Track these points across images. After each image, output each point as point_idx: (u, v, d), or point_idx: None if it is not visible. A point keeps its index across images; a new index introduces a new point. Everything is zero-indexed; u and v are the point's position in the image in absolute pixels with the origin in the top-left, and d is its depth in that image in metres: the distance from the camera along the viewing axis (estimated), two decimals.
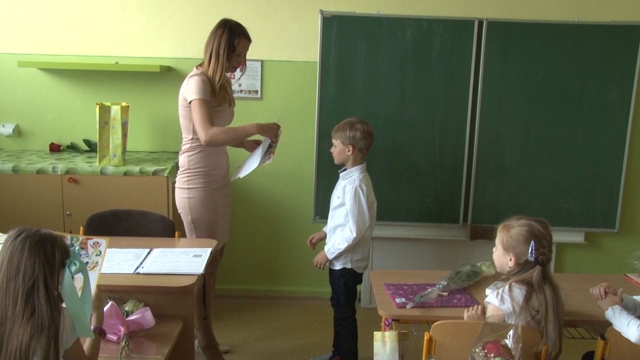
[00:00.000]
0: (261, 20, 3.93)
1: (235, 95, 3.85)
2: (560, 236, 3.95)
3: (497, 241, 2.30)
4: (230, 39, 3.00)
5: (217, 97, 3.01)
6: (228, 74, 3.17)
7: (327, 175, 3.87)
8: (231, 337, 3.66)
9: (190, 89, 2.95)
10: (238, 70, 3.16)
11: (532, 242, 2.17)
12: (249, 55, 3.94)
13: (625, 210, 3.97)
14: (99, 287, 1.93)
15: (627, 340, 2.14)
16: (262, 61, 3.99)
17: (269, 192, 4.13)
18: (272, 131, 3.07)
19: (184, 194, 3.08)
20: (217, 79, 2.98)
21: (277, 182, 4.08)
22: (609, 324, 2.23)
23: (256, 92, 4.02)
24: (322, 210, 3.90)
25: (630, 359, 2.17)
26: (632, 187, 4.03)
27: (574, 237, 4.01)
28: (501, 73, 3.80)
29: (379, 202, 3.86)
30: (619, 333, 2.17)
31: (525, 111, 3.84)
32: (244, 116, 3.96)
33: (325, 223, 3.54)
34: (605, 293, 2.33)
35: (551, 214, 3.86)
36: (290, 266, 4.21)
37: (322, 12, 3.75)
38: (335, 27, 3.77)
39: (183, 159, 3.09)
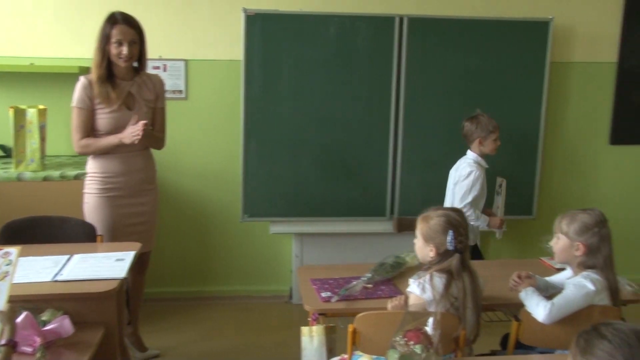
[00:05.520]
0: (182, 19, 3.88)
1: None
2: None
3: (418, 233, 2.37)
4: (105, 29, 2.89)
5: (106, 99, 2.90)
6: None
7: (254, 173, 3.87)
8: (162, 340, 3.58)
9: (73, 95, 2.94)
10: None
11: (450, 231, 2.24)
12: (172, 54, 3.92)
13: (542, 197, 4.16)
14: (10, 298, 1.87)
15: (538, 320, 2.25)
16: (186, 60, 3.94)
17: (196, 193, 4.09)
18: (131, 135, 2.89)
19: (83, 199, 3.05)
20: (95, 76, 2.90)
21: (204, 182, 4.05)
22: (523, 305, 2.33)
23: (180, 91, 3.97)
24: (250, 208, 3.90)
25: (540, 337, 2.28)
26: (547, 175, 4.22)
27: None
28: (423, 68, 3.90)
29: (308, 199, 3.92)
30: (531, 313, 2.29)
31: (447, 105, 3.96)
32: (169, 116, 3.88)
33: (255, 222, 3.58)
34: (520, 277, 2.43)
35: None
36: (221, 266, 4.18)
37: (245, 10, 3.73)
38: (259, 25, 3.76)
39: (87, 164, 3.07)
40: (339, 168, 3.94)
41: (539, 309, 2.23)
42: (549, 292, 2.42)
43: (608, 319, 1.59)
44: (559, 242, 2.39)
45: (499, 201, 3.64)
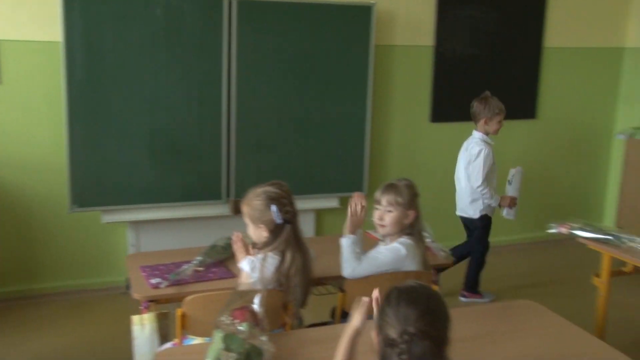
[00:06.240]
0: None
1: None
2: (317, 203, 4.26)
3: (246, 218, 2.39)
4: None
5: None
6: None
7: (81, 161, 3.67)
8: None
9: None
10: None
11: (273, 205, 2.29)
12: None
13: (371, 174, 4.40)
14: None
15: (360, 288, 2.35)
16: None
17: (17, 185, 3.78)
18: None
19: None
20: None
21: (24, 172, 3.76)
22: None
23: None
24: (79, 198, 3.70)
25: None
26: (375, 153, 4.46)
27: (330, 202, 4.33)
28: (255, 51, 3.93)
29: (141, 185, 3.80)
30: (354, 284, 2.43)
31: (280, 88, 4.03)
32: None
33: (85, 212, 3.52)
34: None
35: (308, 183, 4.15)
36: (50, 261, 3.92)
37: None
38: (79, 4, 3.55)
39: None
40: (171, 152, 3.86)
41: (346, 265, 2.43)
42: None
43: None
44: (392, 214, 2.50)
45: (509, 190, 3.79)
